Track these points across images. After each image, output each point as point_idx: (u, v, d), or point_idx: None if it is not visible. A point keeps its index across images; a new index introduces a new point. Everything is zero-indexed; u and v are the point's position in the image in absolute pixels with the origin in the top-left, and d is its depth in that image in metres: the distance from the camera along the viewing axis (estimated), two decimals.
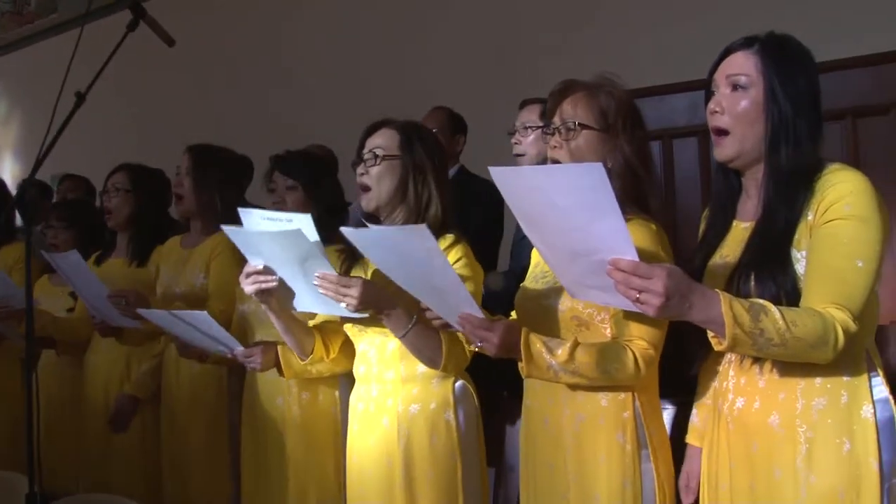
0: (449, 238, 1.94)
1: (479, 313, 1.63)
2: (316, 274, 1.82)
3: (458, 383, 1.99)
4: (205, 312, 2.01)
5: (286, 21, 5.47)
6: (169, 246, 2.73)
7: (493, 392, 2.26)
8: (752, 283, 1.42)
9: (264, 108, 5.38)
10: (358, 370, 2.04)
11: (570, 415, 1.72)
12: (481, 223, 2.99)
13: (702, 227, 1.69)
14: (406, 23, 4.90)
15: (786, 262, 1.42)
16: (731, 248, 1.54)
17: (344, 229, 1.70)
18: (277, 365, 2.11)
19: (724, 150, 1.53)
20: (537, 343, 1.63)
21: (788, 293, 1.40)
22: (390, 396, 1.96)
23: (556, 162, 1.75)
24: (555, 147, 1.76)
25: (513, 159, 2.79)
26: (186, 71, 5.74)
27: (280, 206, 2.27)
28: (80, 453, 2.83)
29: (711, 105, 1.53)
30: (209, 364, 2.39)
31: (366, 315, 1.85)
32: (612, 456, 1.68)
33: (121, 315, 2.41)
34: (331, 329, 2.10)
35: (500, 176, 1.37)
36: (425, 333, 1.84)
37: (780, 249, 1.43)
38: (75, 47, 2.48)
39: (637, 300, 1.28)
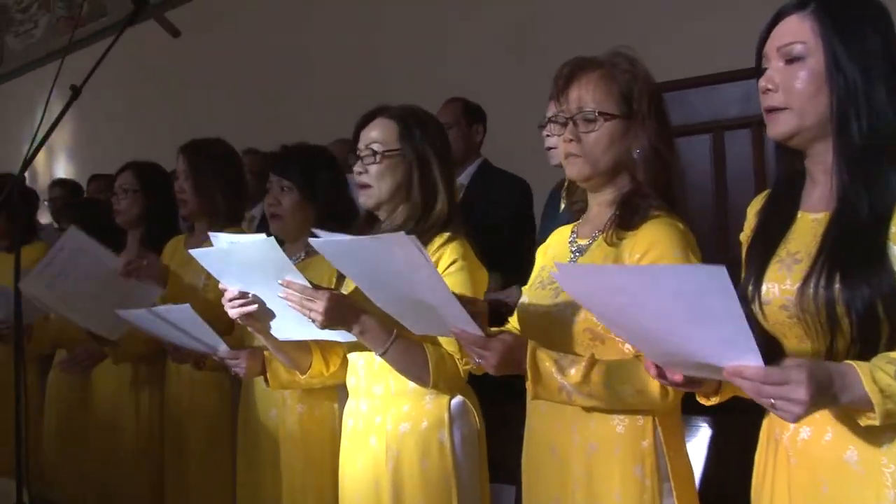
0: (443, 237, 1.74)
1: (473, 328, 1.42)
2: (279, 282, 1.63)
3: (456, 400, 1.77)
4: (187, 306, 1.86)
5: (309, 17, 5.39)
6: (172, 246, 2.62)
7: (516, 397, 2.05)
8: (838, 286, 1.15)
9: (294, 104, 5.30)
10: (349, 382, 1.86)
11: (580, 443, 1.48)
12: (508, 221, 2.78)
13: (751, 219, 1.40)
14: (430, 14, 4.75)
15: (880, 261, 1.15)
16: (802, 243, 1.26)
17: (312, 240, 1.53)
18: (264, 373, 1.95)
19: (778, 126, 1.25)
20: (546, 361, 1.42)
21: (887, 298, 1.13)
22: (379, 413, 1.77)
23: (571, 156, 1.52)
24: (570, 140, 1.51)
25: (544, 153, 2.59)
26: (222, 70, 5.73)
27: (274, 208, 2.13)
28: (84, 460, 2.76)
29: (762, 82, 1.26)
30: (207, 371, 2.26)
31: (347, 335, 1.67)
32: (628, 492, 1.44)
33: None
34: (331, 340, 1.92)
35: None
36: (409, 350, 1.66)
37: (871, 244, 1.16)
38: (100, 60, 2.36)
39: (772, 406, 1.07)
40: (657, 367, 1.21)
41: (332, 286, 1.84)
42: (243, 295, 1.75)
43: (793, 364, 1.06)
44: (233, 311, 1.78)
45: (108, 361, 2.69)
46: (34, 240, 3.26)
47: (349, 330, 1.65)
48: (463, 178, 3.06)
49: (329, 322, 1.61)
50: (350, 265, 1.58)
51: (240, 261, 1.70)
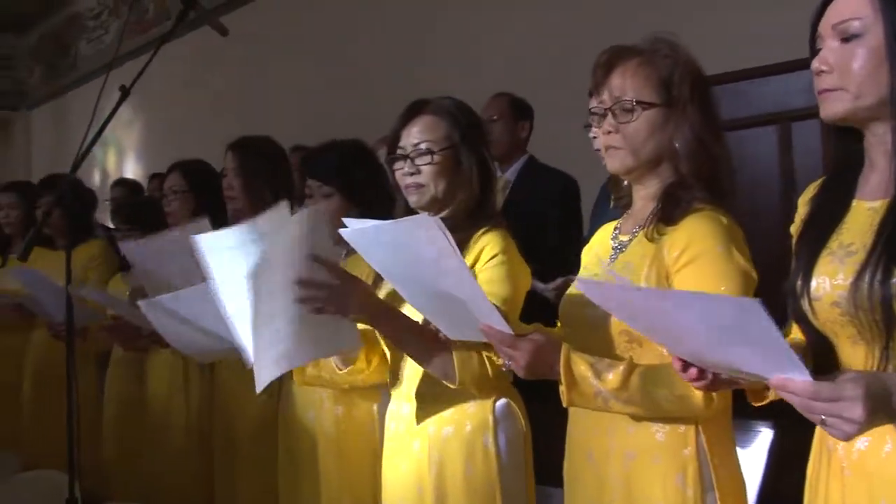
0: (483, 228, 1.69)
1: (502, 324, 1.36)
2: (293, 281, 1.49)
3: (500, 402, 1.71)
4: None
5: (358, 15, 5.39)
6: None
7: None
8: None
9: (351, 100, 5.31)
10: (391, 384, 1.81)
11: (617, 450, 1.41)
12: (555, 218, 2.71)
13: (802, 209, 1.30)
14: (474, 8, 4.68)
15: None
16: (856, 233, 1.16)
17: (343, 231, 1.47)
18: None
19: (832, 107, 1.15)
20: (582, 365, 1.34)
21: None
22: (421, 417, 1.71)
23: (611, 148, 1.46)
24: (609, 132, 1.44)
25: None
26: (284, 71, 5.79)
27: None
28: (138, 457, 2.80)
29: (816, 63, 1.16)
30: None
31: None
32: (669, 502, 1.35)
33: None
34: (371, 337, 1.85)
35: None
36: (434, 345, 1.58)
37: None
38: (149, 60, 2.39)
39: (822, 423, 0.99)
40: (685, 362, 1.13)
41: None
42: None
43: (847, 378, 0.98)
44: None
45: (161, 360, 2.74)
46: (90, 238, 3.33)
47: (372, 323, 1.59)
48: (509, 175, 3.00)
49: (354, 314, 1.54)
50: (379, 257, 1.51)
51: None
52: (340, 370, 1.85)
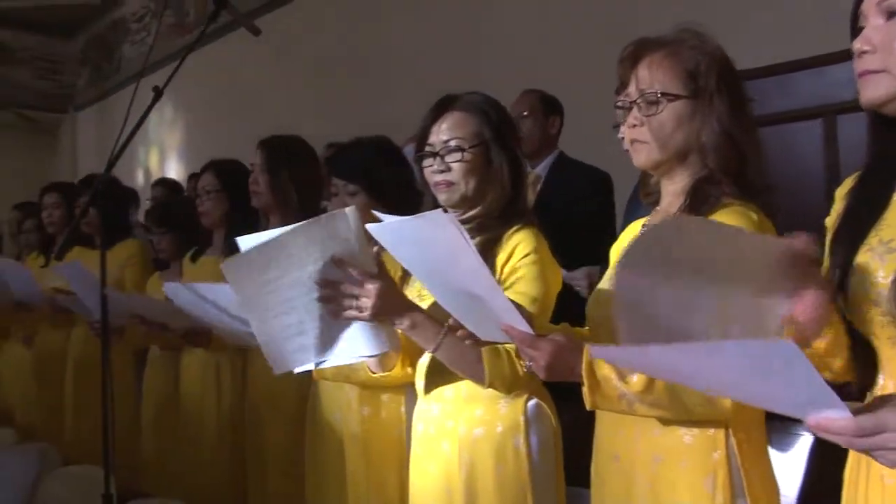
0: (515, 226, 1.67)
1: (522, 324, 1.33)
2: (315, 281, 1.48)
3: (532, 402, 1.69)
4: (176, 284, 1.82)
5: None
6: None
7: None
8: None
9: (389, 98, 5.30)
10: (418, 384, 1.78)
11: (644, 453, 1.37)
12: (588, 215, 2.67)
13: (839, 203, 1.24)
14: (504, 3, 4.64)
15: None
16: None
17: (369, 225, 1.44)
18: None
19: (872, 89, 1.08)
20: (605, 367, 1.30)
21: None
22: (451, 418, 1.69)
23: (637, 142, 1.42)
24: (634, 125, 1.41)
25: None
26: (325, 70, 5.82)
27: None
28: (173, 454, 2.83)
29: (857, 44, 1.10)
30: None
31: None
32: None
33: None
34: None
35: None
36: (461, 345, 1.53)
37: None
38: (181, 61, 2.40)
39: (868, 454, 0.94)
40: None
41: None
42: None
43: (887, 406, 0.91)
44: None
45: (194, 359, 2.76)
46: (128, 237, 3.38)
47: (398, 324, 1.55)
48: (540, 170, 2.96)
49: (378, 314, 1.50)
50: (405, 253, 1.49)
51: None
52: (374, 373, 1.83)
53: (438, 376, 1.71)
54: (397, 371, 1.83)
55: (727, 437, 1.32)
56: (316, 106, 5.88)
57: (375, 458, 1.99)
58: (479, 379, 1.58)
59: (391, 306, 1.51)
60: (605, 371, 1.30)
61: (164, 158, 8.25)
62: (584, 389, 1.31)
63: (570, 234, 2.60)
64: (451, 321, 1.49)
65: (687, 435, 1.33)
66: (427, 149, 1.73)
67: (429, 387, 1.74)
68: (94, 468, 2.46)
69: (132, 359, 3.20)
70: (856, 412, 0.91)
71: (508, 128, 1.77)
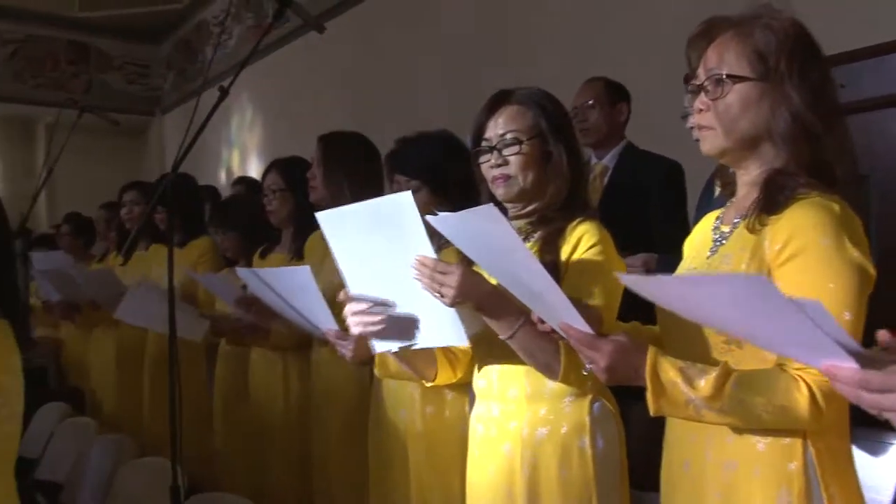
0: (577, 218, 1.62)
1: (580, 323, 1.27)
2: (416, 257, 1.49)
3: (597, 403, 1.63)
4: (307, 267, 1.79)
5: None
6: (313, 239, 2.64)
7: None
8: None
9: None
10: (478, 385, 1.74)
11: (714, 460, 1.28)
12: (660, 206, 2.56)
13: None
14: None
15: None
16: None
17: (430, 217, 1.40)
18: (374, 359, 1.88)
19: None
20: (670, 370, 1.22)
21: None
22: (514, 418, 1.64)
23: (703, 128, 1.33)
24: (700, 110, 1.32)
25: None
26: (401, 69, 5.83)
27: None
28: (243, 449, 2.87)
29: None
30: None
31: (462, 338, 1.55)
32: None
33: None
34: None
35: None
36: (538, 334, 1.47)
37: None
38: (246, 60, 2.44)
39: (879, 414, 0.91)
40: None
41: None
42: (373, 311, 1.61)
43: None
44: (354, 329, 1.64)
45: (263, 354, 2.79)
46: (201, 235, 3.45)
47: (479, 308, 1.51)
48: (608, 161, 2.86)
49: (460, 296, 1.46)
50: (468, 245, 1.45)
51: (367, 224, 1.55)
52: (427, 384, 1.83)
53: (487, 351, 1.66)
54: (447, 376, 1.81)
55: (805, 447, 1.22)
56: (391, 104, 5.89)
57: (439, 457, 1.96)
58: (551, 371, 1.54)
59: (472, 291, 1.47)
60: (671, 375, 1.21)
61: (244, 158, 8.44)
62: (648, 394, 1.23)
63: (639, 226, 2.51)
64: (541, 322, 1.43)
65: (760, 442, 1.24)
66: (483, 143, 1.70)
67: (481, 361, 1.69)
68: (167, 460, 2.51)
69: (204, 354, 3.26)
70: (862, 362, 0.88)
71: (565, 120, 1.72)
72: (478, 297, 1.49)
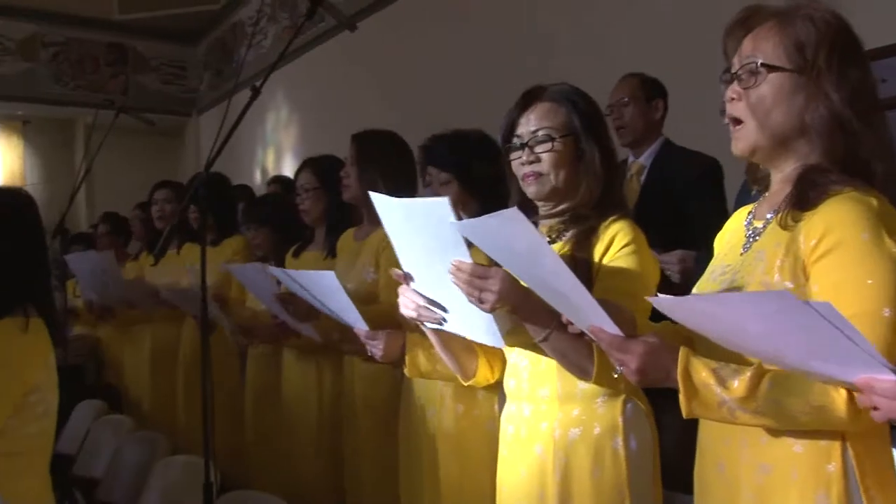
0: (611, 216, 1.60)
1: (610, 325, 1.24)
2: (452, 262, 1.47)
3: (630, 403, 1.61)
4: (331, 273, 1.81)
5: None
6: (344, 238, 2.65)
7: None
8: None
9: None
10: (508, 385, 1.72)
11: (749, 462, 1.25)
12: (698, 205, 2.51)
13: None
14: None
15: None
16: None
17: (454, 222, 1.39)
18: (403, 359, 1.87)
19: None
20: (703, 371, 1.18)
21: None
22: (545, 419, 1.63)
23: (736, 123, 1.30)
24: (732, 99, 1.29)
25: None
26: (438, 68, 5.82)
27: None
28: (275, 448, 2.88)
29: None
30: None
31: (497, 339, 1.54)
32: None
33: (291, 318, 2.38)
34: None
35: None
36: (571, 336, 1.45)
37: None
38: (277, 61, 2.46)
39: None
40: None
41: None
42: (434, 304, 1.60)
43: None
44: (408, 312, 1.63)
45: (296, 354, 2.80)
46: (234, 234, 3.47)
47: (516, 312, 1.49)
48: (644, 159, 2.82)
49: (500, 302, 1.45)
50: (495, 249, 1.43)
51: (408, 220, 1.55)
52: (465, 383, 1.81)
53: (535, 378, 1.65)
54: (485, 375, 1.80)
55: (844, 448, 1.18)
56: (424, 103, 5.89)
57: (468, 455, 1.95)
58: (585, 374, 1.53)
59: (510, 295, 1.45)
60: (703, 376, 1.18)
61: (279, 157, 8.50)
62: (681, 397, 1.20)
63: (678, 225, 2.46)
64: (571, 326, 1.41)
65: (797, 444, 1.20)
66: (515, 140, 1.68)
67: (510, 340, 1.67)
68: (201, 458, 2.54)
69: (237, 353, 3.28)
70: None
71: (598, 118, 1.70)
72: (514, 301, 1.47)
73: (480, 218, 1.33)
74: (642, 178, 2.77)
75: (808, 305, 0.83)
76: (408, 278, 1.62)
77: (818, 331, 0.84)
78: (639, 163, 2.82)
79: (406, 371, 1.90)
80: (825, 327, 0.83)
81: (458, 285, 1.48)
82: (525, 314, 1.49)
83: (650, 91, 2.84)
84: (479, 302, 1.47)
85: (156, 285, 3.43)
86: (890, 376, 0.85)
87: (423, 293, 1.61)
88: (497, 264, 1.51)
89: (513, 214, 1.25)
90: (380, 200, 1.55)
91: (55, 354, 1.88)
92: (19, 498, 1.76)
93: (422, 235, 1.52)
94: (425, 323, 1.66)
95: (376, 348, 1.88)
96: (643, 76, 2.89)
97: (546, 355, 1.56)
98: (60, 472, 2.84)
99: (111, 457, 2.83)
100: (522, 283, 1.46)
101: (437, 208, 1.41)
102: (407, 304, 1.63)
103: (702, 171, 2.65)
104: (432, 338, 1.73)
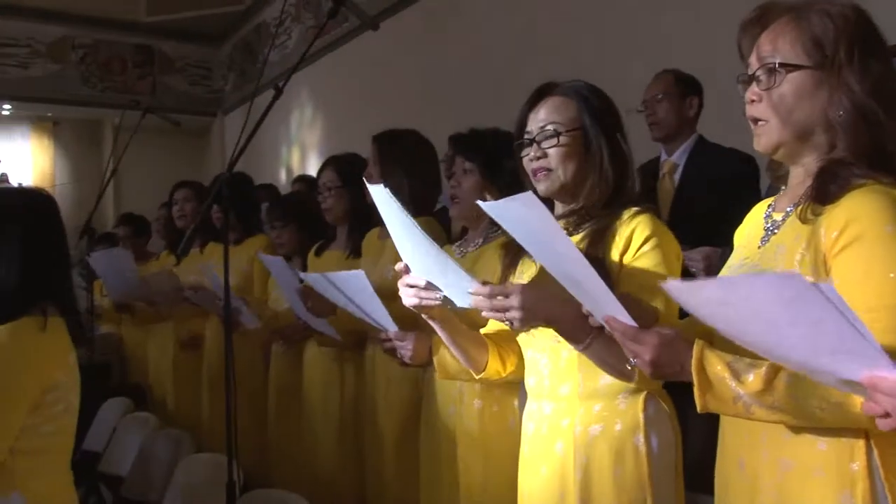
0: (631, 210, 1.58)
1: (624, 315, 1.23)
2: (469, 291, 1.47)
3: (652, 401, 1.59)
4: (361, 272, 1.81)
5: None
6: (369, 238, 2.65)
7: None
8: None
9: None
10: (528, 382, 1.71)
11: (770, 459, 1.23)
12: (732, 203, 2.47)
13: None
14: None
15: None
16: None
17: (481, 203, 1.38)
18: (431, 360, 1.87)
19: None
20: (718, 364, 1.16)
21: None
22: (566, 416, 1.61)
23: (757, 122, 1.28)
24: (752, 101, 1.27)
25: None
26: (461, 67, 5.81)
27: (455, 189, 2.06)
28: (297, 445, 2.89)
29: None
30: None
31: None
32: None
33: (314, 317, 2.39)
34: (505, 336, 1.79)
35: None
36: (611, 342, 1.40)
37: None
38: (300, 61, 2.48)
39: None
40: None
41: (497, 279, 1.73)
42: (430, 286, 1.60)
43: None
44: (408, 300, 1.64)
45: (318, 353, 2.81)
46: (257, 233, 3.49)
47: (549, 324, 1.47)
48: (677, 157, 2.79)
49: (528, 316, 1.42)
50: (520, 232, 1.41)
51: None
52: (476, 376, 1.80)
53: (556, 375, 1.64)
54: (495, 368, 1.78)
55: (868, 447, 1.16)
56: (449, 102, 5.89)
57: (491, 451, 1.94)
58: (626, 377, 1.51)
59: (538, 307, 1.44)
60: (718, 369, 1.16)
61: (304, 156, 8.54)
62: (695, 390, 1.18)
63: (712, 223, 2.43)
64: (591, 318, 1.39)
65: (820, 441, 1.18)
66: (525, 136, 1.67)
67: (552, 388, 1.66)
68: (225, 456, 2.55)
69: (262, 352, 3.30)
70: None
71: (610, 115, 1.67)
72: (545, 313, 1.45)
73: (501, 200, 1.32)
74: (676, 176, 2.75)
75: (815, 287, 0.82)
76: (407, 269, 1.63)
77: (825, 317, 0.82)
78: (671, 161, 2.80)
79: (438, 372, 1.90)
80: (831, 312, 0.82)
81: (481, 310, 1.47)
82: (560, 326, 1.48)
83: (684, 88, 2.82)
84: (510, 323, 1.46)
85: (180, 281, 3.46)
86: (893, 373, 0.82)
87: (422, 276, 1.61)
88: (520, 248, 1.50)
89: (528, 198, 1.24)
90: (375, 191, 1.57)
91: (78, 353, 1.90)
92: (40, 495, 1.78)
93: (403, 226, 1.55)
94: (430, 307, 1.65)
95: (405, 349, 1.89)
96: (678, 73, 2.87)
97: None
98: (88, 469, 2.88)
99: (137, 454, 2.86)
100: (545, 272, 1.45)
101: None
102: (407, 293, 1.63)
103: (737, 169, 2.62)
104: (440, 332, 1.72)
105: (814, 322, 0.85)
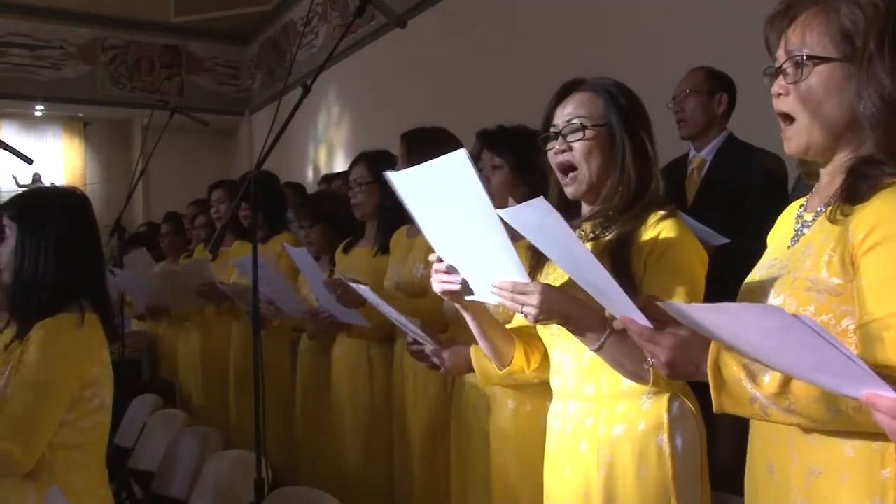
0: (657, 214, 1.57)
1: (640, 317, 1.22)
2: (492, 282, 1.48)
3: (676, 401, 1.58)
4: (367, 288, 1.86)
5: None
6: (397, 235, 2.66)
7: None
8: None
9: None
10: (553, 382, 1.71)
11: (798, 464, 1.21)
12: (761, 202, 2.45)
13: None
14: None
15: None
16: None
17: (499, 210, 1.37)
18: (470, 371, 1.88)
19: None
20: (733, 365, 1.14)
21: None
22: (590, 415, 1.61)
23: (783, 118, 1.26)
24: (779, 94, 1.24)
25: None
26: (487, 66, 5.81)
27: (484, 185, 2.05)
28: (325, 442, 2.90)
29: None
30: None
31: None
32: None
33: (344, 308, 2.40)
34: (530, 333, 1.79)
35: None
36: (626, 343, 1.41)
37: None
38: (328, 58, 2.50)
39: None
40: None
41: None
42: (451, 269, 1.58)
43: None
44: (436, 286, 1.63)
45: (347, 349, 2.82)
46: (283, 231, 3.52)
47: (565, 323, 1.49)
48: (706, 154, 2.77)
49: (543, 314, 1.44)
50: (537, 237, 1.41)
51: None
52: (500, 370, 1.80)
53: (580, 374, 1.64)
54: (519, 364, 1.78)
55: None
56: (477, 100, 5.88)
57: (524, 451, 1.94)
58: (641, 379, 1.51)
59: (554, 308, 1.45)
60: (733, 370, 1.14)
61: (331, 155, 8.59)
62: (711, 391, 1.17)
63: (739, 221, 2.42)
64: (615, 321, 1.39)
65: (848, 446, 1.15)
66: (551, 130, 1.67)
67: (577, 387, 1.66)
68: (253, 453, 2.58)
69: (289, 349, 3.32)
70: None
71: (637, 113, 1.66)
72: (561, 313, 1.46)
73: (515, 207, 1.32)
74: (703, 172, 2.73)
75: (798, 320, 0.81)
76: (438, 259, 1.61)
77: (814, 344, 0.82)
78: (700, 157, 2.79)
79: (480, 381, 1.90)
80: (817, 340, 0.81)
81: (502, 301, 1.47)
82: (574, 326, 1.48)
83: (714, 84, 2.80)
84: (525, 316, 1.47)
85: (211, 271, 3.50)
86: (890, 393, 0.81)
87: (454, 264, 1.58)
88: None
89: (539, 203, 1.24)
90: (396, 178, 1.53)
91: (109, 350, 1.94)
92: (78, 490, 1.82)
93: (444, 202, 1.46)
94: (463, 297, 1.62)
95: (440, 362, 1.92)
96: (709, 70, 2.85)
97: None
98: (119, 465, 2.92)
99: (166, 451, 2.90)
100: (564, 275, 1.45)
101: (454, 163, 1.35)
102: (439, 279, 1.61)
103: (766, 169, 2.59)
104: (470, 322, 1.72)
105: (804, 348, 0.84)
